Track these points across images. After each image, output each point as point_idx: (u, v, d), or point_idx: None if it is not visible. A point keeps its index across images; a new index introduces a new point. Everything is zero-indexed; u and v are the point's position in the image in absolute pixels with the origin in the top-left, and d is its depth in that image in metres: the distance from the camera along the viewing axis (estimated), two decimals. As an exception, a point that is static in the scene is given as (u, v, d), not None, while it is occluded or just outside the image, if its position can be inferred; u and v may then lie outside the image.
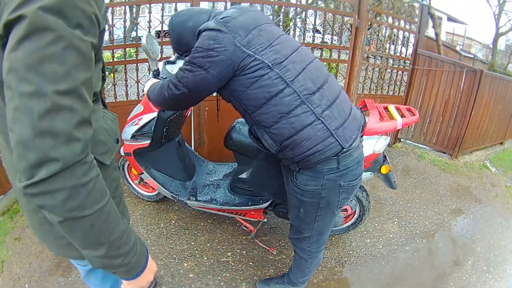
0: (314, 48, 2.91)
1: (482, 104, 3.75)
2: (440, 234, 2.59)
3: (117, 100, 2.61)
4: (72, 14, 0.48)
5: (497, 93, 3.96)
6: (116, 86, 2.60)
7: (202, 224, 2.24)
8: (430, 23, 5.04)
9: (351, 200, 1.95)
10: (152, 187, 2.25)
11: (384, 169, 1.82)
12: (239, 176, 1.94)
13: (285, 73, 1.05)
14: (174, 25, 1.25)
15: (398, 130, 3.70)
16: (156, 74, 1.70)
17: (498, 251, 2.53)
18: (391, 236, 2.41)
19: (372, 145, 1.67)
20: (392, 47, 3.48)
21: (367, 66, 3.31)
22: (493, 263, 2.37)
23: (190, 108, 2.09)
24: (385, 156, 1.83)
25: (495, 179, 3.92)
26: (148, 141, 1.88)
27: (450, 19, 20.02)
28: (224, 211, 1.98)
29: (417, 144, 4.01)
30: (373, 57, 3.35)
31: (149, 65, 1.94)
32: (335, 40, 3.01)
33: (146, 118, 1.85)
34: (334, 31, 2.86)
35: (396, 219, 2.62)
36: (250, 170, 1.86)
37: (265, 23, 1.11)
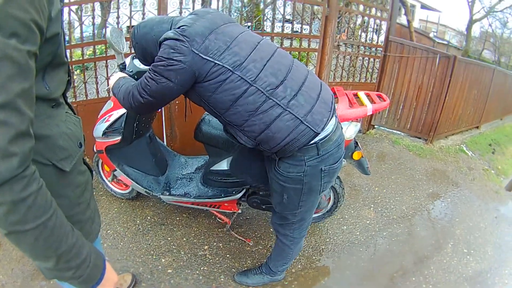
0: (285, 37, 2.87)
1: (456, 89, 3.81)
2: (418, 219, 2.61)
3: (88, 98, 2.52)
4: (5, 23, 0.46)
5: (471, 78, 4.03)
6: (86, 84, 2.50)
7: (178, 218, 2.22)
8: (403, 11, 5.06)
9: None
10: (125, 185, 2.22)
11: (356, 155, 1.83)
12: (211, 168, 1.93)
13: (246, 73, 1.07)
14: (137, 37, 1.27)
15: (372, 117, 3.74)
16: (122, 68, 1.67)
17: (478, 233, 2.57)
18: (368, 222, 2.43)
19: (343, 132, 1.68)
20: (364, 34, 3.47)
21: (338, 54, 3.30)
22: (474, 245, 2.40)
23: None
24: (356, 142, 1.84)
25: (472, 163, 3.99)
26: (119, 137, 1.86)
27: (423, 6, 20.37)
28: (198, 204, 1.97)
29: (391, 130, 4.06)
30: (344, 45, 3.33)
31: None
32: (306, 30, 2.98)
33: (116, 114, 1.82)
34: (305, 21, 2.82)
35: (372, 205, 2.64)
36: (226, 160, 1.86)
37: (222, 25, 1.13)
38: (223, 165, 1.89)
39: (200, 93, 1.13)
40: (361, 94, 1.78)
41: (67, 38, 2.47)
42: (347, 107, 1.66)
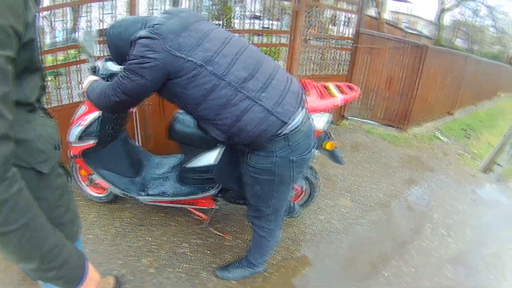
0: (254, 34, 2.90)
1: (428, 77, 3.92)
2: (395, 205, 2.68)
3: (62, 104, 2.49)
4: None
5: (444, 67, 4.16)
6: (60, 89, 2.49)
7: (156, 218, 2.23)
8: (374, 3, 5.16)
9: (298, 179, 1.97)
10: (102, 188, 2.22)
11: (328, 146, 1.87)
12: (186, 166, 1.95)
13: (217, 68, 1.11)
14: (111, 37, 1.29)
15: (343, 108, 3.81)
16: (95, 71, 1.68)
17: (456, 216, 2.65)
18: (345, 211, 2.49)
19: (313, 123, 1.73)
20: (335, 28, 3.52)
21: (307, 48, 3.34)
22: (453, 228, 2.48)
23: (133, 105, 2.03)
24: (328, 133, 1.88)
25: (447, 148, 4.13)
26: (95, 141, 1.87)
27: None
28: (175, 203, 1.99)
29: (364, 121, 4.16)
30: (314, 39, 3.38)
31: None
32: (275, 25, 3.01)
33: (90, 117, 1.83)
34: (275, 17, 2.85)
35: (348, 194, 2.71)
36: (200, 157, 1.91)
37: (195, 22, 1.16)
38: (198, 162, 1.91)
39: (173, 89, 1.16)
40: (331, 86, 1.83)
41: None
42: (317, 98, 1.70)
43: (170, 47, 1.08)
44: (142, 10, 2.40)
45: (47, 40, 2.68)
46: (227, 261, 1.91)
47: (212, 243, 2.05)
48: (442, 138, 4.32)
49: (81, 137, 1.86)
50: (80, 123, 1.85)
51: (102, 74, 1.66)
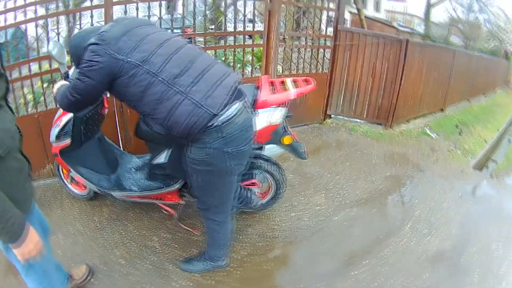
0: (227, 36, 2.82)
1: (412, 72, 3.74)
2: (372, 202, 2.55)
3: (48, 108, 2.54)
4: None
5: (429, 61, 3.91)
6: (45, 95, 2.60)
7: (131, 214, 2.27)
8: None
9: (260, 173, 1.97)
10: (84, 186, 2.27)
11: (285, 140, 1.86)
12: (153, 163, 1.99)
13: (152, 67, 1.20)
14: (72, 47, 1.43)
15: (326, 106, 3.66)
16: (66, 76, 1.75)
17: (440, 213, 2.49)
18: (317, 208, 2.43)
19: (267, 117, 1.71)
20: (313, 26, 3.38)
21: (284, 47, 3.22)
22: (435, 225, 2.33)
23: (106, 107, 2.07)
24: (286, 127, 1.86)
25: (436, 145, 3.90)
26: (69, 140, 1.93)
27: None
28: (145, 198, 2.03)
29: (348, 119, 4.02)
30: (291, 38, 3.24)
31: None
32: (249, 27, 2.92)
33: (65, 118, 1.90)
34: (246, 18, 2.76)
35: (323, 192, 2.62)
36: (164, 153, 1.92)
37: (136, 27, 1.27)
38: (161, 158, 1.95)
39: (118, 88, 1.27)
40: (288, 81, 1.81)
41: (35, 53, 2.52)
42: (269, 93, 1.70)
43: (112, 51, 1.19)
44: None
45: (44, 49, 2.72)
46: (193, 255, 1.92)
47: (181, 237, 2.07)
48: (431, 134, 4.09)
49: (59, 137, 1.93)
50: (57, 124, 1.92)
51: (71, 79, 1.71)
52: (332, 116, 3.97)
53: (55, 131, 1.92)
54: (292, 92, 1.69)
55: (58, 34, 2.37)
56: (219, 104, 1.23)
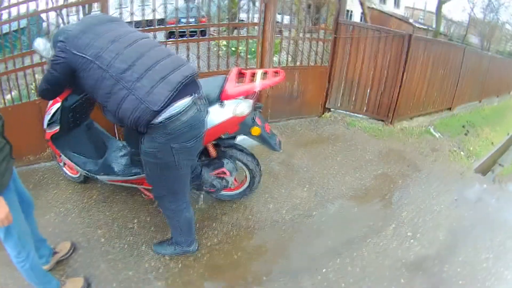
0: (221, 28, 2.70)
1: (415, 68, 3.50)
2: (357, 200, 2.43)
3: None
4: None
5: (435, 58, 3.59)
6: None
7: (118, 197, 2.34)
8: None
9: (229, 163, 1.94)
10: (76, 170, 2.33)
11: (253, 131, 1.83)
12: (133, 149, 2.00)
13: (103, 62, 1.26)
14: (53, 42, 1.49)
15: (326, 99, 3.45)
16: None
17: (429, 216, 2.32)
18: (297, 201, 2.37)
19: (233, 109, 1.69)
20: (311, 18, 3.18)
21: (281, 39, 3.05)
22: (421, 228, 2.18)
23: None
24: (254, 119, 1.84)
25: (438, 144, 3.61)
26: (58, 127, 2.01)
27: None
28: (128, 182, 2.07)
29: (348, 113, 3.84)
30: (288, 30, 3.06)
31: None
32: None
33: (54, 107, 1.98)
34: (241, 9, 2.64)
35: (307, 185, 2.54)
36: None
37: (96, 25, 1.33)
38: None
39: (78, 81, 1.35)
40: (259, 72, 1.78)
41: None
42: (234, 85, 1.69)
43: (72, 47, 1.27)
44: (113, 11, 2.41)
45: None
46: (166, 239, 1.94)
47: (159, 221, 2.10)
48: (434, 133, 3.80)
49: (49, 124, 2.02)
50: (49, 112, 2.02)
51: None
52: (331, 110, 3.83)
53: (46, 118, 2.03)
54: (257, 84, 1.66)
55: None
56: (160, 101, 1.24)
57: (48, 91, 1.49)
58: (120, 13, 2.42)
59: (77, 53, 1.26)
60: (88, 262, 1.78)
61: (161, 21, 2.84)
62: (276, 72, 1.77)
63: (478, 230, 2.26)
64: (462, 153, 3.59)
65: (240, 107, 1.68)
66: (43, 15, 2.47)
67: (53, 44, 1.44)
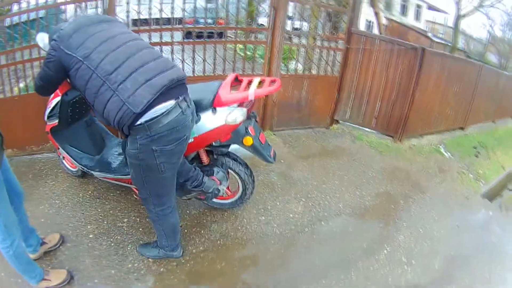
0: (229, 30, 2.62)
1: (429, 84, 3.32)
2: (353, 218, 2.32)
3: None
4: None
5: (449, 73, 3.42)
6: None
7: (112, 194, 2.32)
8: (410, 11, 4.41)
9: (220, 172, 1.89)
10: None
11: (246, 141, 1.76)
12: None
13: (91, 63, 1.27)
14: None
15: (335, 111, 3.32)
16: None
17: (427, 242, 2.21)
18: (291, 216, 2.28)
19: (225, 116, 1.64)
20: (323, 26, 3.06)
21: (298, 47, 2.94)
22: (417, 255, 2.07)
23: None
24: (247, 128, 1.76)
25: (446, 165, 3.45)
26: (57, 121, 2.02)
27: (431, 7, 18.65)
28: (120, 181, 2.05)
29: (357, 126, 3.70)
30: (297, 37, 2.96)
31: None
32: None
33: (54, 101, 1.99)
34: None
35: (303, 200, 2.45)
36: None
37: (88, 25, 1.34)
38: None
39: (70, 79, 1.36)
40: (255, 80, 1.72)
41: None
42: (228, 92, 1.63)
43: (63, 47, 1.28)
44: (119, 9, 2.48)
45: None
46: (151, 241, 1.92)
47: (148, 222, 2.06)
48: (444, 153, 3.63)
49: (49, 117, 2.04)
50: (49, 105, 2.04)
51: None
52: (340, 122, 3.71)
53: (46, 112, 2.04)
54: (250, 92, 1.60)
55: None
56: (142, 104, 1.25)
57: (42, 88, 1.49)
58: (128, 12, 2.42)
59: (68, 52, 1.28)
60: (74, 255, 1.79)
61: (179, 21, 2.82)
62: (273, 81, 1.71)
63: (477, 261, 2.14)
64: (470, 175, 3.42)
65: (233, 115, 1.62)
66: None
67: (49, 41, 1.44)
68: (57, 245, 1.81)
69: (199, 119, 1.63)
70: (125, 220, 2.08)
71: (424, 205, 2.58)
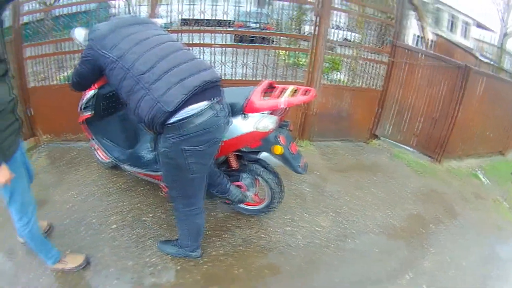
0: (274, 36, 2.56)
1: (472, 104, 3.11)
2: (380, 239, 2.18)
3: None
4: None
5: (494, 95, 3.17)
6: None
7: (141, 188, 2.33)
8: (458, 29, 4.22)
9: (248, 178, 1.86)
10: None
11: (275, 149, 1.70)
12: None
13: (125, 63, 1.31)
14: None
15: (374, 126, 3.24)
16: None
17: (453, 270, 2.03)
18: (317, 229, 2.17)
19: (254, 123, 1.59)
20: (367, 38, 2.94)
21: (335, 57, 2.84)
22: (440, 283, 1.91)
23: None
24: (277, 137, 1.69)
25: (483, 191, 3.20)
26: (91, 113, 2.07)
27: (479, 25, 17.53)
28: (148, 176, 2.05)
29: (396, 143, 3.50)
30: (340, 47, 2.85)
31: None
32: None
33: (90, 93, 2.03)
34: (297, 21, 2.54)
35: (332, 214, 2.34)
36: None
37: (122, 27, 1.38)
38: None
39: (106, 78, 1.41)
40: (289, 88, 1.67)
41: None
42: (259, 98, 1.59)
43: (99, 46, 1.34)
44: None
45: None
46: (172, 239, 1.90)
47: (172, 220, 2.02)
48: (482, 178, 3.37)
49: (84, 108, 2.08)
50: (83, 97, 2.09)
51: None
52: (380, 138, 3.54)
53: (81, 103, 2.10)
54: (282, 100, 1.55)
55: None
56: (173, 103, 1.26)
57: (78, 84, 1.56)
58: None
59: (103, 52, 1.33)
60: (94, 243, 1.83)
61: (231, 23, 2.83)
62: (307, 91, 1.63)
63: (505, 293, 1.94)
64: (506, 204, 3.12)
65: (263, 122, 1.58)
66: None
67: (85, 37, 1.50)
68: (46, 231, 1.80)
69: (230, 123, 1.58)
70: (150, 215, 2.08)
71: (454, 232, 2.37)
